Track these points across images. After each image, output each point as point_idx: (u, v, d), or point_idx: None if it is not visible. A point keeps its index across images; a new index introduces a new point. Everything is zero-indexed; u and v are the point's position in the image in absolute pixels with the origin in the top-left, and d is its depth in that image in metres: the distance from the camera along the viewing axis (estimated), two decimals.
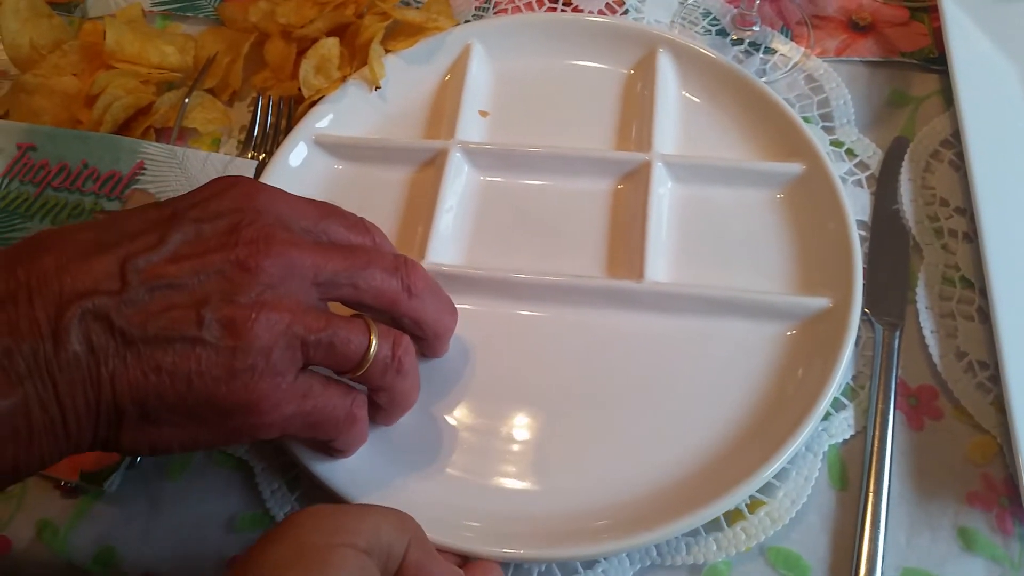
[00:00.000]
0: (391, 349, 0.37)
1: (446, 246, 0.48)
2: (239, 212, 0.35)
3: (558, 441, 0.43)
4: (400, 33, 0.55)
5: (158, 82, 0.55)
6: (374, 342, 0.36)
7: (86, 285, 0.32)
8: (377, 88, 0.53)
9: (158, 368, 0.32)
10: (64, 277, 0.32)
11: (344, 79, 0.53)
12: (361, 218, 0.40)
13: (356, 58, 0.54)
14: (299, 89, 0.52)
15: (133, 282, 0.32)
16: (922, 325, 0.45)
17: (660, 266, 0.46)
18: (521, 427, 0.43)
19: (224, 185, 0.37)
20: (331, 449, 0.40)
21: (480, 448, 0.43)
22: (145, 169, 0.52)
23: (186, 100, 0.54)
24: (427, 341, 0.42)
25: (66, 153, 0.53)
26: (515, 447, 0.43)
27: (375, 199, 0.51)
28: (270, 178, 0.49)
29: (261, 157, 0.53)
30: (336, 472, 0.41)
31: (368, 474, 0.42)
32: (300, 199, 0.39)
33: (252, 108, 0.55)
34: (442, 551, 0.38)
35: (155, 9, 0.62)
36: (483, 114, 0.53)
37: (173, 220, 0.35)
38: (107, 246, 0.33)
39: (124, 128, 0.54)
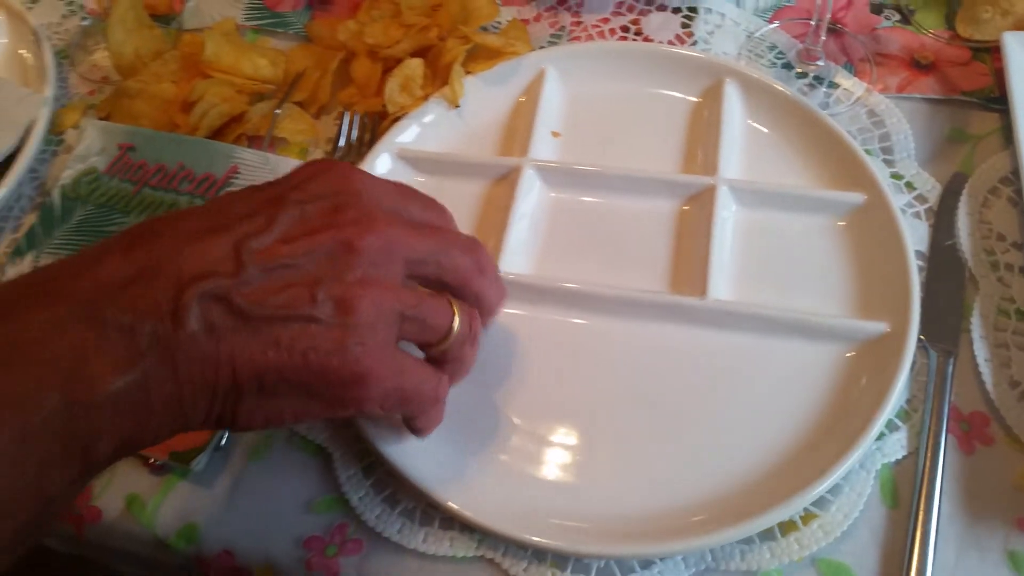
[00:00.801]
0: (469, 323, 0.40)
1: (517, 257, 0.51)
2: (339, 194, 0.37)
3: (622, 446, 0.45)
4: (480, 56, 0.58)
5: (251, 92, 0.59)
6: (456, 317, 0.39)
7: (203, 267, 0.34)
8: (457, 107, 0.56)
9: (276, 344, 0.34)
10: (181, 260, 0.34)
11: (426, 97, 0.56)
12: (434, 200, 0.43)
13: (438, 78, 0.57)
14: (383, 105, 0.56)
15: (248, 263, 0.34)
16: (976, 354, 0.46)
17: (722, 285, 0.48)
18: (587, 431, 0.46)
19: (321, 168, 0.39)
20: (413, 427, 0.42)
21: (548, 448, 0.45)
22: (239, 173, 0.55)
23: (277, 111, 0.58)
24: (483, 316, 0.43)
25: (163, 155, 0.57)
26: (580, 449, 0.45)
27: (452, 210, 0.53)
28: None
29: None
30: (409, 459, 0.44)
31: (440, 464, 0.44)
32: (386, 181, 0.41)
33: (338, 122, 0.58)
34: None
35: (247, 24, 0.66)
36: (555, 135, 0.56)
37: (279, 202, 0.36)
38: (219, 229, 0.35)
39: (217, 134, 0.58)
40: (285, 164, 0.55)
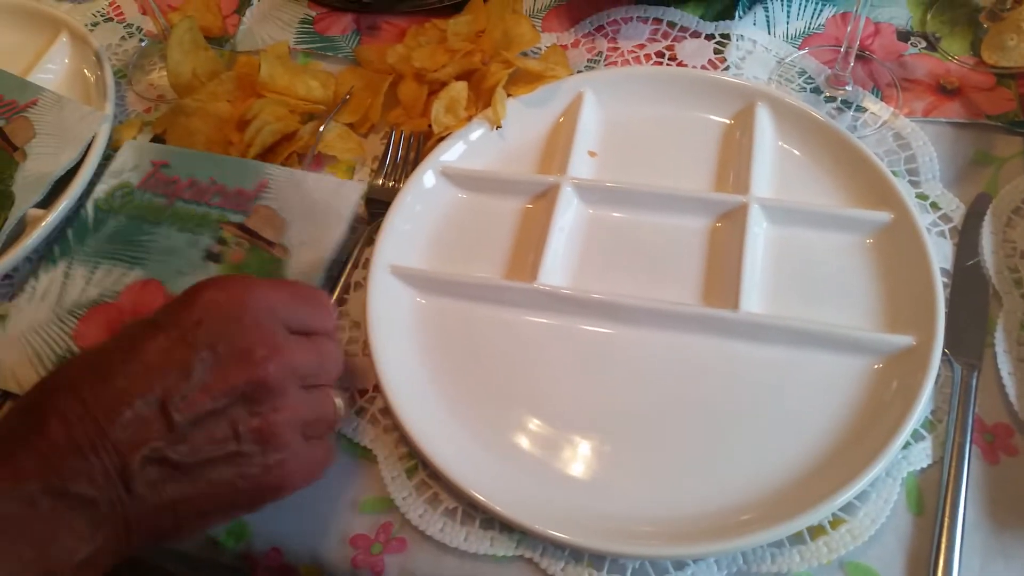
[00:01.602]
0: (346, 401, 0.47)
1: (555, 270, 0.53)
2: (242, 326, 0.40)
3: (657, 451, 0.47)
4: (521, 80, 0.60)
5: (302, 112, 0.62)
6: (337, 402, 0.45)
7: (139, 433, 0.37)
8: (499, 127, 0.59)
9: (210, 482, 0.39)
10: (119, 428, 0.37)
11: (470, 118, 0.59)
12: (315, 293, 0.46)
13: (481, 100, 0.60)
14: (429, 125, 0.58)
15: (176, 419, 0.38)
16: (1000, 367, 0.48)
17: (754, 299, 0.50)
18: (622, 437, 0.48)
19: (213, 297, 0.41)
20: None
21: (585, 452, 0.47)
22: (268, 188, 0.58)
23: (321, 129, 0.61)
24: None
25: (196, 171, 0.60)
26: (616, 454, 0.47)
27: (492, 226, 0.56)
28: (404, 199, 0.56)
29: (392, 184, 0.59)
30: (451, 461, 0.46)
31: (481, 465, 0.46)
32: (274, 289, 0.43)
33: (385, 141, 0.61)
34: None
35: (298, 47, 0.69)
36: (592, 154, 0.59)
37: (188, 347, 0.39)
38: (143, 390, 0.38)
39: (269, 151, 0.61)
40: (312, 178, 0.58)
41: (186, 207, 0.59)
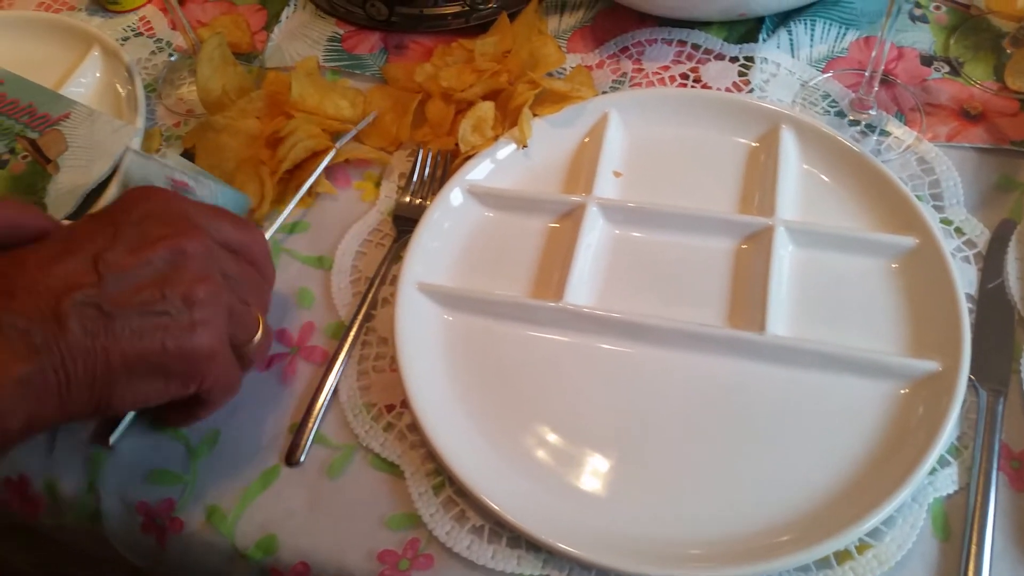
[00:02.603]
0: (268, 331, 0.50)
1: (581, 290, 0.53)
2: (165, 212, 0.44)
3: (682, 474, 0.47)
4: (547, 100, 0.61)
5: (332, 131, 0.62)
6: (261, 323, 0.48)
7: (72, 280, 0.40)
8: (525, 147, 0.60)
9: (140, 335, 0.41)
10: (52, 277, 0.40)
11: (496, 138, 0.59)
12: (245, 221, 0.50)
13: (507, 120, 0.60)
14: (456, 144, 0.59)
15: (105, 273, 0.41)
16: None
17: (780, 321, 0.51)
18: (648, 458, 0.48)
19: (143, 194, 0.46)
20: (203, 411, 0.49)
21: (611, 473, 0.48)
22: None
23: (337, 145, 0.61)
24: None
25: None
26: (641, 475, 0.47)
27: (518, 244, 0.57)
28: (432, 217, 0.56)
29: (418, 202, 0.59)
30: (479, 479, 0.46)
31: (508, 483, 0.47)
32: (200, 204, 0.48)
33: (412, 158, 0.62)
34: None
35: (326, 65, 0.70)
36: (617, 174, 0.59)
37: (118, 224, 0.43)
38: (75, 250, 0.42)
39: (299, 166, 0.61)
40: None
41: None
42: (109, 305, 0.41)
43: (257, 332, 0.48)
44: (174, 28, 0.71)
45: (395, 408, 0.51)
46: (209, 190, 0.56)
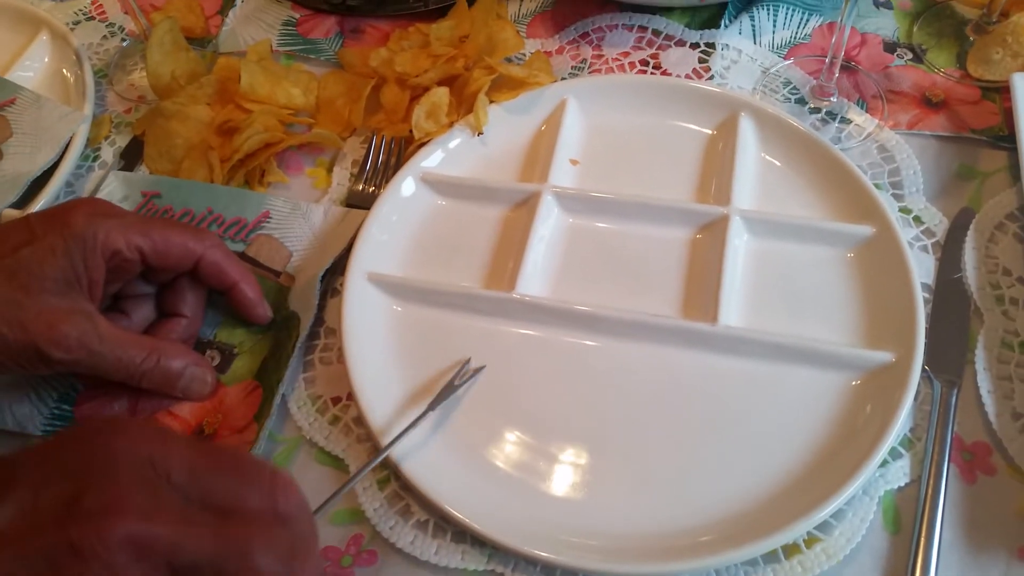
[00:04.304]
0: None
1: (534, 280, 0.52)
2: (86, 472, 0.29)
3: (631, 467, 0.46)
4: (503, 86, 0.60)
5: (285, 120, 0.61)
6: None
7: None
8: (480, 134, 0.58)
9: None
10: None
11: (451, 124, 0.58)
12: (268, 470, 0.33)
13: (463, 106, 0.59)
14: (410, 131, 0.58)
15: None
16: (979, 385, 0.47)
17: (733, 312, 0.50)
18: (597, 451, 0.47)
19: (84, 431, 0.31)
20: None
21: (559, 466, 0.47)
22: (270, 218, 0.57)
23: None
24: None
25: (191, 201, 0.58)
26: (590, 468, 0.46)
27: (473, 234, 0.56)
28: (382, 208, 0.55)
29: (371, 190, 0.58)
30: (423, 473, 0.45)
31: (453, 478, 0.46)
32: (184, 442, 0.31)
33: (365, 145, 0.60)
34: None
35: (280, 49, 0.68)
36: (574, 162, 0.58)
37: (8, 483, 0.29)
38: None
39: (251, 155, 0.59)
40: (316, 209, 0.57)
41: None
42: None
43: None
44: (126, 12, 0.69)
45: (341, 400, 0.50)
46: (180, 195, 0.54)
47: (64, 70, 0.68)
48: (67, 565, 0.27)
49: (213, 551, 0.29)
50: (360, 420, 0.48)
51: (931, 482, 0.44)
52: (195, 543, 0.29)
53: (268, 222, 0.57)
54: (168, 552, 0.28)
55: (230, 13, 0.72)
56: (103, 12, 0.74)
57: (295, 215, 0.57)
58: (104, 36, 0.72)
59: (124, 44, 0.72)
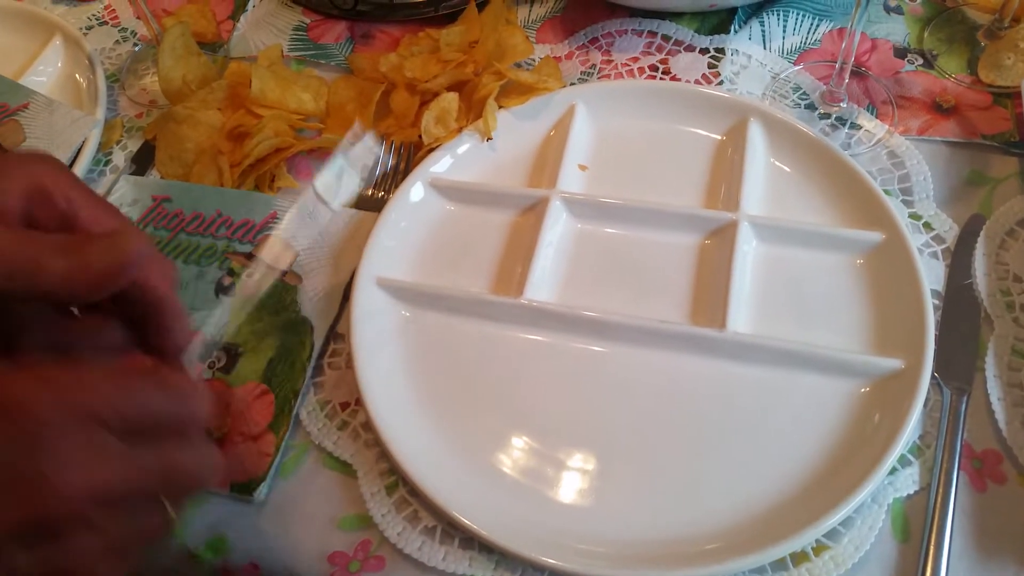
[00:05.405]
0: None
1: (542, 285, 0.52)
2: (28, 441, 0.28)
3: (639, 473, 0.46)
4: (513, 91, 0.60)
5: (295, 125, 0.61)
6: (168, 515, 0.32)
7: None
8: (489, 139, 0.58)
9: None
10: None
11: (460, 130, 0.58)
12: (173, 376, 0.34)
13: (472, 111, 0.59)
14: (419, 136, 0.58)
15: None
16: (989, 392, 0.47)
17: (741, 318, 0.50)
18: (605, 457, 0.47)
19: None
20: None
21: (566, 472, 0.47)
22: (277, 219, 0.57)
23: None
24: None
25: (200, 204, 0.59)
26: (597, 475, 0.47)
27: (480, 238, 0.56)
28: (391, 214, 0.55)
29: (381, 195, 0.58)
30: (431, 479, 0.45)
31: (461, 484, 0.46)
32: (106, 375, 0.31)
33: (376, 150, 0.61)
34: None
35: (291, 54, 0.68)
36: (582, 168, 0.58)
37: None
38: None
39: (262, 160, 0.60)
40: (324, 210, 0.57)
41: (190, 239, 0.58)
42: None
43: (160, 533, 0.32)
44: (139, 17, 0.70)
45: (350, 406, 0.50)
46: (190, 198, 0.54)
47: (77, 75, 0.68)
48: (43, 536, 0.28)
49: (155, 476, 0.31)
50: (368, 425, 0.48)
51: (940, 490, 0.44)
52: (141, 477, 0.30)
53: (275, 222, 0.57)
54: (121, 491, 0.30)
55: (241, 18, 0.72)
56: (116, 17, 0.75)
57: (302, 215, 0.57)
58: (116, 41, 0.73)
59: (136, 49, 0.72)
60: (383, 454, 0.48)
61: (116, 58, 0.72)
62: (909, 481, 0.45)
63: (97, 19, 0.75)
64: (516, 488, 0.46)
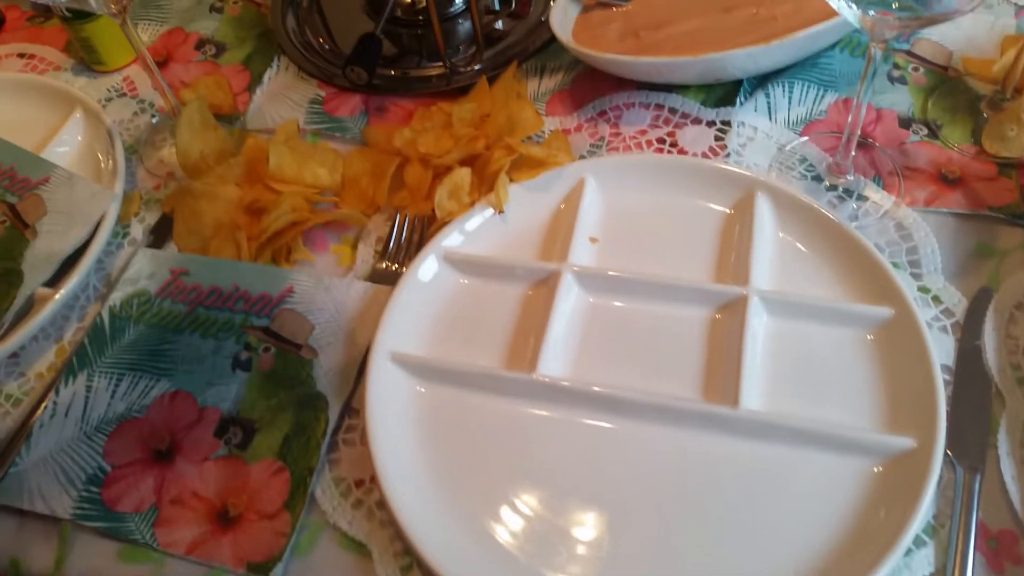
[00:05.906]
0: None
1: (555, 360, 0.53)
2: None
3: (650, 550, 0.46)
4: (524, 165, 0.61)
5: (311, 199, 0.62)
6: None
7: None
8: (501, 212, 0.59)
9: None
10: None
11: (473, 203, 0.59)
12: None
13: (484, 184, 0.60)
14: (433, 209, 0.59)
15: None
16: (1003, 471, 0.47)
17: (754, 394, 0.50)
18: (617, 534, 0.47)
19: None
20: None
21: (579, 549, 0.47)
22: (294, 292, 0.58)
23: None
24: None
25: (218, 278, 0.59)
26: (610, 552, 0.46)
27: (494, 312, 0.56)
28: (404, 288, 0.56)
29: (395, 268, 0.59)
30: (447, 560, 0.45)
31: (477, 565, 0.46)
32: None
33: (390, 223, 0.62)
34: None
35: (307, 127, 0.70)
36: (593, 241, 0.59)
37: None
38: None
39: (278, 234, 0.61)
40: (339, 283, 0.58)
41: (207, 313, 0.58)
42: None
43: None
44: (156, 89, 0.71)
45: (364, 483, 0.51)
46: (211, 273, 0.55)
47: (96, 148, 0.70)
48: None
49: None
50: (383, 504, 0.49)
51: (957, 572, 0.44)
52: None
53: (292, 296, 0.58)
54: None
55: (257, 90, 0.74)
56: (134, 89, 0.77)
57: (317, 289, 0.58)
58: (135, 112, 0.75)
59: (154, 121, 0.74)
60: (398, 534, 0.48)
61: (134, 129, 0.73)
62: (924, 562, 0.45)
63: (116, 91, 0.77)
64: (532, 568, 0.46)
